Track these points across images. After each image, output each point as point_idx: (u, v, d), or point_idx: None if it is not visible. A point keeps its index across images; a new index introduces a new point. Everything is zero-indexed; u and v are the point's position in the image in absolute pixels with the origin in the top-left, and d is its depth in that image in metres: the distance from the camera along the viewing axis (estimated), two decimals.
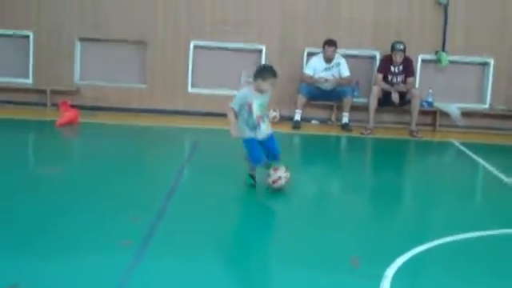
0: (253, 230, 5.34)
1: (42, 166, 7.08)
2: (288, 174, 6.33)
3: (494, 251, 4.97)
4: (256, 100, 6.19)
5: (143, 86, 11.39)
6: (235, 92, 11.02)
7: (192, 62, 11.33)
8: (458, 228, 5.40)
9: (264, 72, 6.19)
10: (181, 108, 11.27)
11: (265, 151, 6.38)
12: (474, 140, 10.44)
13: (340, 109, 10.97)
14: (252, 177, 6.52)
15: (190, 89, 11.36)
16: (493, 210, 6.35)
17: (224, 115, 10.89)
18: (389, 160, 9.02)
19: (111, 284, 3.93)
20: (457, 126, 11.15)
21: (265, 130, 6.32)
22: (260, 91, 6.18)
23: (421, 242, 4.96)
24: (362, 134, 10.40)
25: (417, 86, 11.23)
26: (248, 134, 6.29)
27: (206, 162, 7.85)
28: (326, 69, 10.84)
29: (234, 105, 6.20)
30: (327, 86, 10.82)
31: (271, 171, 6.30)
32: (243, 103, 6.18)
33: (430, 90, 11.26)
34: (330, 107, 11.23)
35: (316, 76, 10.83)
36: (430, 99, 11.24)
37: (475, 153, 9.13)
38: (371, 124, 10.57)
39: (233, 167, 7.37)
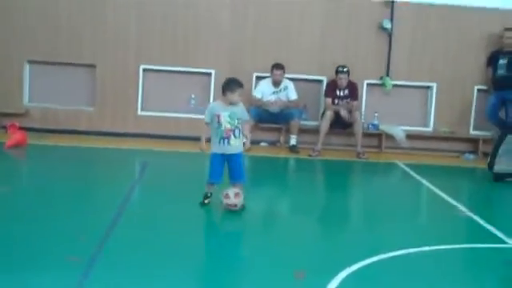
0: (200, 246, 5.52)
1: None
2: (243, 203, 6.48)
3: (429, 266, 5.28)
4: (224, 112, 6.40)
5: (92, 108, 11.50)
6: (184, 115, 11.55)
7: (142, 85, 11.49)
8: (398, 244, 5.70)
9: (231, 84, 6.45)
10: (130, 130, 11.41)
11: (229, 171, 6.56)
12: (418, 161, 10.82)
13: (288, 131, 11.25)
14: (206, 196, 6.64)
15: (139, 111, 11.53)
16: (432, 227, 6.66)
17: (174, 137, 11.38)
18: (334, 180, 9.34)
19: None
20: (401, 148, 11.52)
21: (235, 145, 6.47)
22: (230, 103, 6.41)
23: (363, 258, 5.24)
24: (309, 155, 10.68)
25: (363, 109, 11.63)
26: (216, 147, 6.48)
27: (155, 183, 8.01)
28: (274, 92, 11.15)
29: (206, 118, 6.50)
30: (275, 109, 11.11)
31: (232, 194, 6.39)
32: (213, 115, 6.43)
33: (376, 114, 11.65)
34: (279, 130, 11.51)
35: (264, 99, 11.10)
36: (375, 122, 11.63)
37: (419, 173, 9.49)
38: (319, 146, 10.87)
39: (182, 188, 7.58)
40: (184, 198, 6.97)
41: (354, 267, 4.99)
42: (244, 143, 6.62)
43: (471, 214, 7.00)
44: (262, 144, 11.51)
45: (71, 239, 5.28)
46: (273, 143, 11.62)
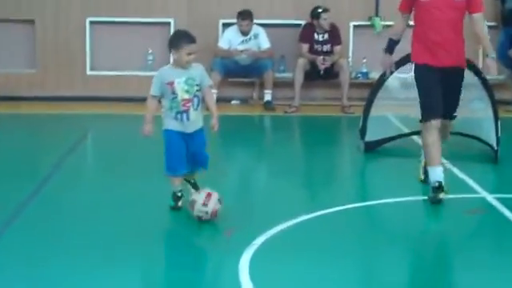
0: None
1: None
2: (219, 204, 5.85)
3: (376, 219, 6.05)
4: (178, 78, 5.92)
5: (33, 70, 12.13)
6: (141, 73, 12.08)
7: (89, 40, 12.09)
8: (351, 199, 6.63)
9: (179, 39, 5.95)
10: (79, 93, 12.01)
11: (188, 154, 6.07)
12: (415, 113, 11.29)
13: (262, 86, 11.81)
14: (176, 196, 6.12)
15: (88, 71, 12.15)
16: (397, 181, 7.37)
17: (130, 99, 11.91)
18: (310, 139, 9.96)
19: None
20: (396, 99, 12.01)
21: (195, 120, 6.02)
22: (182, 65, 5.94)
23: (307, 213, 6.04)
24: (285, 112, 11.26)
25: (350, 55, 12.14)
26: (171, 123, 5.98)
27: (93, 152, 8.66)
28: (242, 41, 11.68)
29: (153, 90, 6.00)
30: (245, 60, 11.65)
31: (201, 196, 5.80)
32: (163, 85, 5.95)
33: (364, 60, 12.15)
34: (250, 84, 12.06)
35: (232, 49, 11.61)
36: (364, 70, 12.15)
37: (412, 128, 9.91)
38: (297, 101, 11.44)
39: (126, 158, 8.27)
40: (122, 173, 7.55)
41: (288, 223, 5.73)
42: (211, 118, 6.04)
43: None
44: (233, 102, 12.07)
45: None
46: (245, 100, 12.17)
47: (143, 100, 11.37)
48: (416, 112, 6.69)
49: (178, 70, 5.97)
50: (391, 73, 7.59)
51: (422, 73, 6.45)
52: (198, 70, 6.03)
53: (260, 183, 7.76)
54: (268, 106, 11.61)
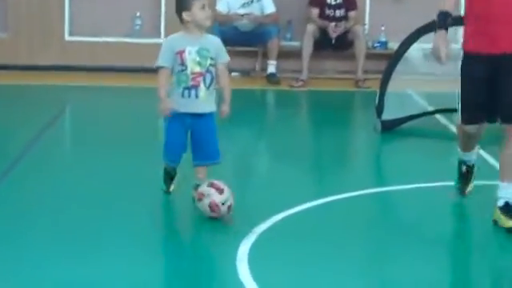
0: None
1: None
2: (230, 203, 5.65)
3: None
4: (190, 46, 5.73)
5: (4, 35, 12.24)
6: (127, 39, 12.21)
7: (69, 1, 12.20)
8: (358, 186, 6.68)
9: None
10: (55, 62, 12.10)
11: (194, 142, 5.92)
12: (440, 90, 11.35)
13: (265, 56, 11.91)
14: (169, 176, 6.12)
15: (66, 37, 12.27)
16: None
17: (113, 69, 12.04)
18: (317, 117, 10.09)
19: None
20: (419, 73, 12.11)
21: (206, 100, 5.80)
22: (201, 25, 5.76)
23: (312, 199, 6.19)
24: (291, 86, 11.37)
25: (366, 22, 12.24)
26: (176, 102, 5.77)
27: (72, 128, 8.81)
28: (243, 4, 11.76)
29: (162, 60, 5.78)
30: (247, 26, 11.74)
31: (208, 189, 5.59)
32: (172, 54, 5.74)
33: (383, 27, 12.25)
34: (253, 54, 12.17)
35: (231, 13, 11.71)
36: (383, 39, 12.26)
37: (437, 106, 10.00)
38: (305, 74, 11.56)
39: (108, 135, 8.41)
40: (102, 153, 7.65)
41: (290, 211, 5.89)
42: (222, 102, 5.90)
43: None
44: (233, 74, 12.10)
45: None
46: (246, 72, 12.28)
47: (128, 70, 11.93)
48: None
49: (192, 37, 5.75)
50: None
51: (468, 64, 5.92)
52: (214, 42, 5.87)
53: (262, 166, 7.90)
54: (272, 78, 11.70)
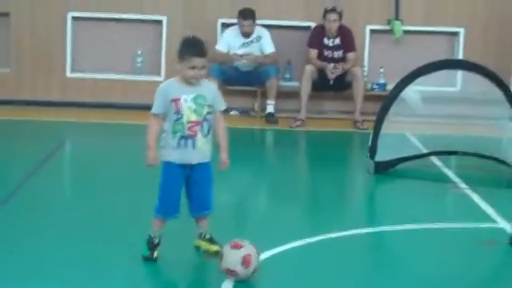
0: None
1: None
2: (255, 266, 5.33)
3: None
4: (186, 94, 5.53)
5: (7, 70, 12.36)
6: (129, 77, 12.32)
7: (71, 38, 12.33)
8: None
9: (183, 49, 5.54)
10: (56, 98, 12.26)
11: (190, 194, 5.73)
12: (437, 133, 11.39)
13: (264, 95, 12.00)
14: (152, 244, 5.70)
15: (68, 73, 12.39)
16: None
17: (115, 106, 12.14)
18: (315, 158, 10.17)
19: None
20: (416, 115, 12.17)
21: (203, 149, 5.61)
22: (190, 81, 5.53)
23: (304, 237, 6.30)
24: (290, 126, 11.46)
25: (365, 63, 12.34)
26: (172, 154, 5.58)
27: (69, 165, 8.88)
28: (243, 44, 11.87)
29: (156, 107, 5.59)
30: (246, 66, 11.85)
31: (237, 257, 5.24)
32: (167, 102, 5.55)
33: (382, 69, 12.36)
34: (252, 94, 12.27)
35: (231, 53, 11.82)
36: (381, 80, 12.35)
37: (433, 148, 10.04)
38: (303, 114, 11.64)
39: (105, 172, 8.47)
40: (98, 192, 7.69)
41: (287, 247, 6.01)
42: (221, 152, 5.69)
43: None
44: (232, 113, 12.22)
45: None
46: (245, 111, 12.37)
47: (129, 108, 12.03)
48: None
49: (187, 85, 5.54)
50: None
51: None
52: (210, 89, 5.64)
53: (259, 204, 7.99)
54: (270, 118, 11.79)
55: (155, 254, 5.66)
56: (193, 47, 5.47)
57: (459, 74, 12.18)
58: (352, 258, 6.04)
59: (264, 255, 5.65)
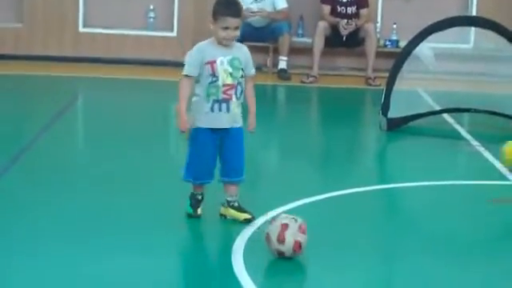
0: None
1: None
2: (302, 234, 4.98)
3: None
4: (222, 56, 5.36)
5: (19, 25, 12.35)
6: (140, 32, 12.32)
7: None
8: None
9: (216, 9, 5.37)
10: (69, 53, 12.25)
11: (223, 160, 5.57)
12: (449, 89, 11.39)
13: (276, 51, 11.98)
14: (196, 200, 5.64)
15: (80, 28, 12.37)
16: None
17: (126, 61, 12.16)
18: (327, 114, 10.17)
19: None
20: (429, 72, 12.14)
21: (235, 114, 5.45)
22: (222, 43, 5.37)
23: (313, 194, 6.26)
24: (302, 82, 11.45)
25: (378, 20, 12.30)
26: (203, 120, 5.43)
27: (82, 120, 8.91)
28: (256, 0, 11.80)
29: (189, 69, 5.40)
30: (258, 22, 11.81)
31: (275, 229, 4.93)
32: (201, 63, 5.36)
33: (395, 26, 12.30)
34: (265, 49, 12.24)
35: (244, 9, 11.74)
36: (394, 37, 12.30)
37: (446, 105, 10.04)
38: (315, 70, 11.62)
39: (118, 128, 8.48)
40: (109, 146, 7.73)
41: (297, 204, 5.99)
42: (249, 115, 5.57)
43: None
44: None
45: None
46: (257, 67, 12.29)
47: (141, 63, 12.03)
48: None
49: (222, 47, 5.37)
50: None
51: None
52: (243, 52, 5.52)
53: (269, 161, 7.99)
54: (283, 74, 11.77)
55: (199, 211, 5.60)
56: (227, 6, 5.32)
57: (472, 30, 12.10)
58: (362, 214, 6.04)
59: (275, 212, 5.63)
